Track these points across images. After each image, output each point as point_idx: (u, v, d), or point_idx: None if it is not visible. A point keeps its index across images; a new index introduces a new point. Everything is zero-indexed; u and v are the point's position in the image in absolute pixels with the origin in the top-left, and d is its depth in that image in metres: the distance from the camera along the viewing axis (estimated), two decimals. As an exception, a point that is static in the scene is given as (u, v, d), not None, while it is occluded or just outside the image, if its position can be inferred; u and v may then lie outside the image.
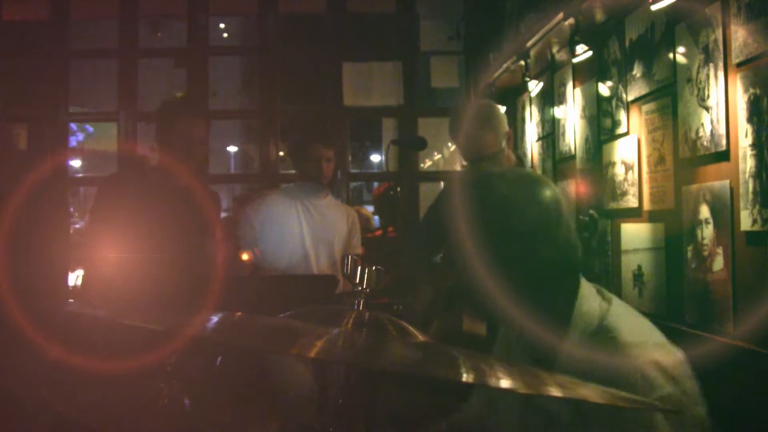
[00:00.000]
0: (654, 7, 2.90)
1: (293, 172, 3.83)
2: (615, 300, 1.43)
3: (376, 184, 6.83)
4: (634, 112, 3.45)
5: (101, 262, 2.48)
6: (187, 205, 2.68)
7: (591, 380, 1.17)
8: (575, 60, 3.98)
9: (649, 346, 1.31)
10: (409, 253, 2.98)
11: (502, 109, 5.65)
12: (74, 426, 1.43)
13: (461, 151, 2.78)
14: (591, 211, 3.84)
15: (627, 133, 3.52)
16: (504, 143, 2.70)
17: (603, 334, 1.32)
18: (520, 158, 2.82)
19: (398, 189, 4.64)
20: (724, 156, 2.67)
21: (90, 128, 12.12)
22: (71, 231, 6.14)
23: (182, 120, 2.57)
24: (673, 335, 1.42)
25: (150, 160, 2.82)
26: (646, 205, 3.32)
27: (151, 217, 2.56)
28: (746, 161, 2.50)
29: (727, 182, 2.64)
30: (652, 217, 3.26)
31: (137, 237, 2.48)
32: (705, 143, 2.79)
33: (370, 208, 7.37)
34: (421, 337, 1.17)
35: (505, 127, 2.75)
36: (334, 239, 3.37)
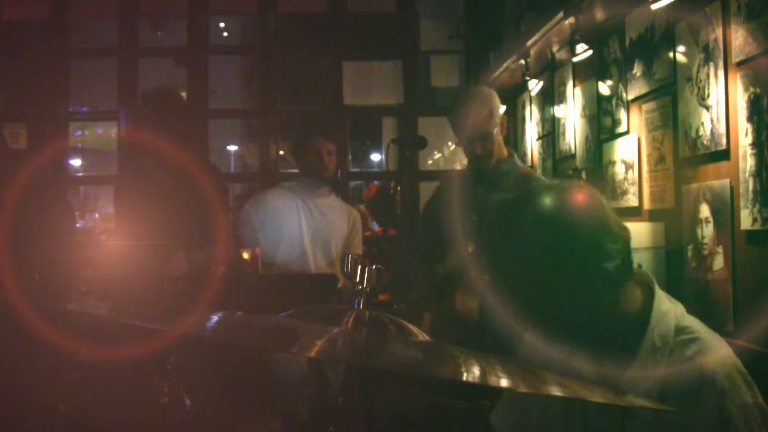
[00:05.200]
0: (654, 7, 2.89)
1: (293, 171, 3.82)
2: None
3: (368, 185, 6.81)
4: (634, 111, 3.45)
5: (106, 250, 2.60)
6: (187, 197, 2.85)
7: (675, 385, 1.18)
8: (575, 59, 3.98)
9: (726, 348, 1.28)
10: (404, 259, 2.96)
11: (502, 107, 5.69)
12: (75, 425, 1.43)
13: (455, 130, 2.77)
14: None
15: (627, 132, 3.52)
16: (497, 129, 2.69)
17: (686, 335, 1.28)
18: (512, 153, 2.80)
19: (398, 188, 4.64)
20: (724, 155, 2.67)
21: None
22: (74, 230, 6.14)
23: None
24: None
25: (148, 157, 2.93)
26: (647, 204, 3.32)
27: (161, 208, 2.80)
28: (746, 160, 2.50)
29: (727, 181, 2.64)
30: (653, 216, 3.26)
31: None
32: (705, 142, 2.79)
33: (369, 208, 7.35)
34: (421, 337, 1.17)
35: (500, 111, 2.75)
36: (333, 239, 3.36)
